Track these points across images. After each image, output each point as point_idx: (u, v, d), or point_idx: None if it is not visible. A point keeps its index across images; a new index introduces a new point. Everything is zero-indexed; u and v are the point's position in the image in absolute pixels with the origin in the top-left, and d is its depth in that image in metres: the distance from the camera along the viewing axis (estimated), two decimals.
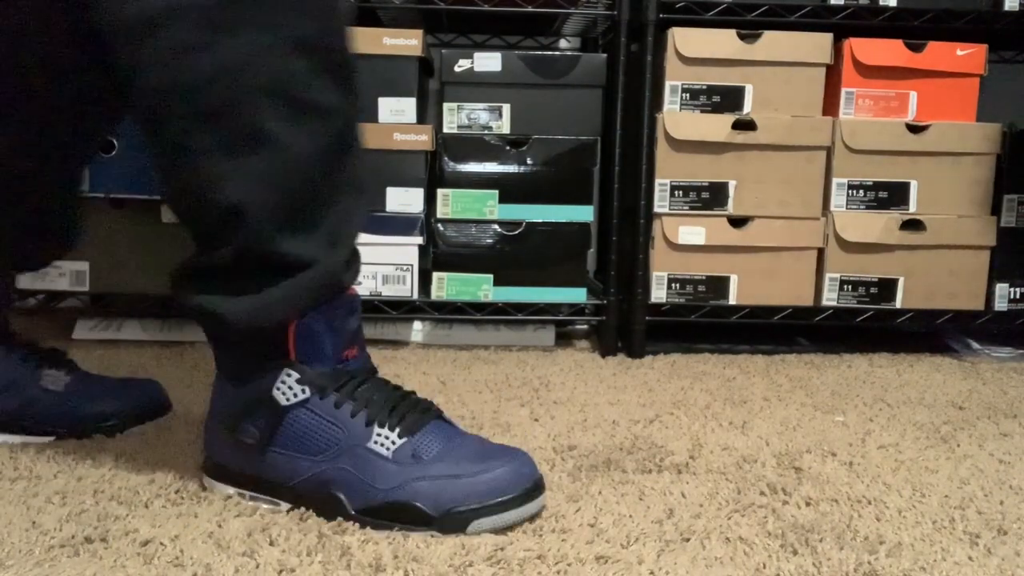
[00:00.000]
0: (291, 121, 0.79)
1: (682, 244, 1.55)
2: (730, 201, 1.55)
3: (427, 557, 0.74)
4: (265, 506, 0.84)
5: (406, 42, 1.52)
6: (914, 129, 1.54)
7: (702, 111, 1.55)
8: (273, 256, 0.81)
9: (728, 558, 0.76)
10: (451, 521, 0.77)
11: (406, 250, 1.54)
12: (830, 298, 1.57)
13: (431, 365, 1.44)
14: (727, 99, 1.55)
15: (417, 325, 1.62)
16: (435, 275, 1.57)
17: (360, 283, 1.53)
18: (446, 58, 1.56)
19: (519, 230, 1.56)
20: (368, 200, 0.95)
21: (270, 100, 0.78)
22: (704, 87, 1.54)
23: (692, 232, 1.55)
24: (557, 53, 1.58)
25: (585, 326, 1.75)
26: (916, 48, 1.54)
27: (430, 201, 1.57)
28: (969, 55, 1.55)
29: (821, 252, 1.57)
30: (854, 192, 1.56)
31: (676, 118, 1.53)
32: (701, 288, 1.57)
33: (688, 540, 0.79)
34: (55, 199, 1.05)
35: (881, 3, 1.55)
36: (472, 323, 1.63)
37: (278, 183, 0.80)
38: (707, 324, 1.59)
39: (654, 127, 1.54)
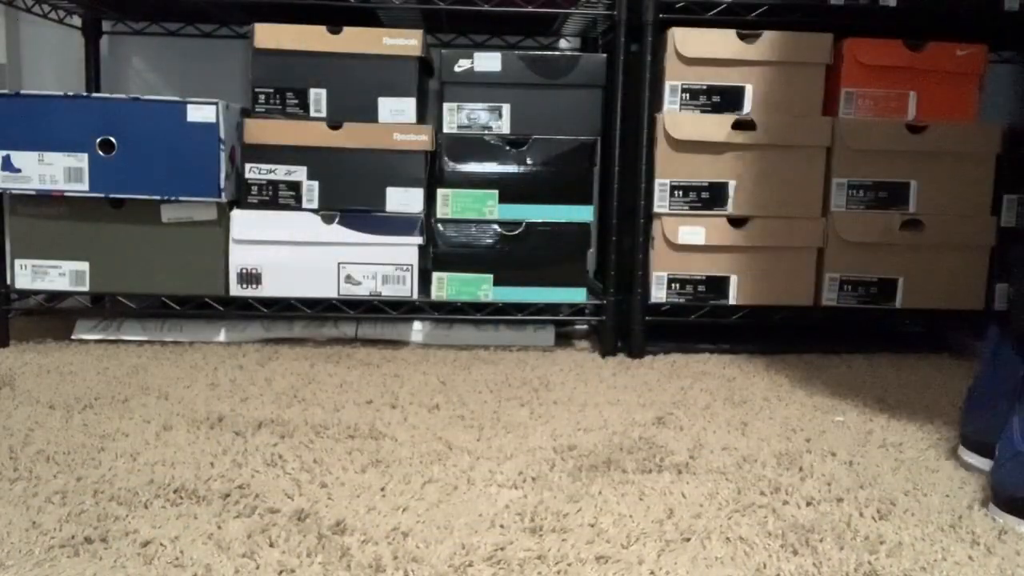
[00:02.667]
0: None
1: (682, 244, 1.55)
2: (730, 201, 1.55)
3: (427, 557, 0.74)
4: None
5: (406, 42, 1.52)
6: (914, 129, 1.54)
7: (702, 111, 1.54)
8: None
9: (728, 558, 0.76)
10: None
11: (406, 250, 1.54)
12: (830, 298, 1.57)
13: (431, 365, 1.44)
14: (727, 99, 1.54)
15: (417, 325, 1.62)
16: (435, 275, 1.57)
17: (361, 283, 1.54)
18: (446, 58, 1.56)
19: (519, 230, 1.56)
20: None
21: None
22: (704, 87, 1.54)
23: (692, 232, 1.55)
24: (557, 53, 1.58)
25: (585, 326, 1.75)
26: (916, 48, 1.54)
27: (430, 201, 1.57)
28: (969, 55, 1.55)
29: (821, 252, 1.57)
30: (854, 192, 1.56)
31: (676, 118, 1.53)
32: (701, 288, 1.57)
33: (688, 540, 0.79)
34: None
35: (881, 3, 1.55)
36: (472, 323, 1.63)
37: None
38: (707, 324, 1.59)
39: (654, 127, 1.54)
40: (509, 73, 1.56)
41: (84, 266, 1.52)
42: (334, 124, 1.52)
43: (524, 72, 1.56)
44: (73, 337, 1.57)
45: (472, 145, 1.56)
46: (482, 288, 1.57)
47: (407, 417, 1.15)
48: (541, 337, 1.63)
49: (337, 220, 1.53)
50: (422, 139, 1.53)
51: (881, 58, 1.54)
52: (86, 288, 1.53)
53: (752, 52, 1.53)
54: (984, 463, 0.98)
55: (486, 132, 1.57)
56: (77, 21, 1.85)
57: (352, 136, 1.52)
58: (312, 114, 1.54)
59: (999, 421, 0.97)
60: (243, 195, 1.54)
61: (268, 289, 1.54)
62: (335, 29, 1.52)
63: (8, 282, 1.52)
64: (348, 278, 1.54)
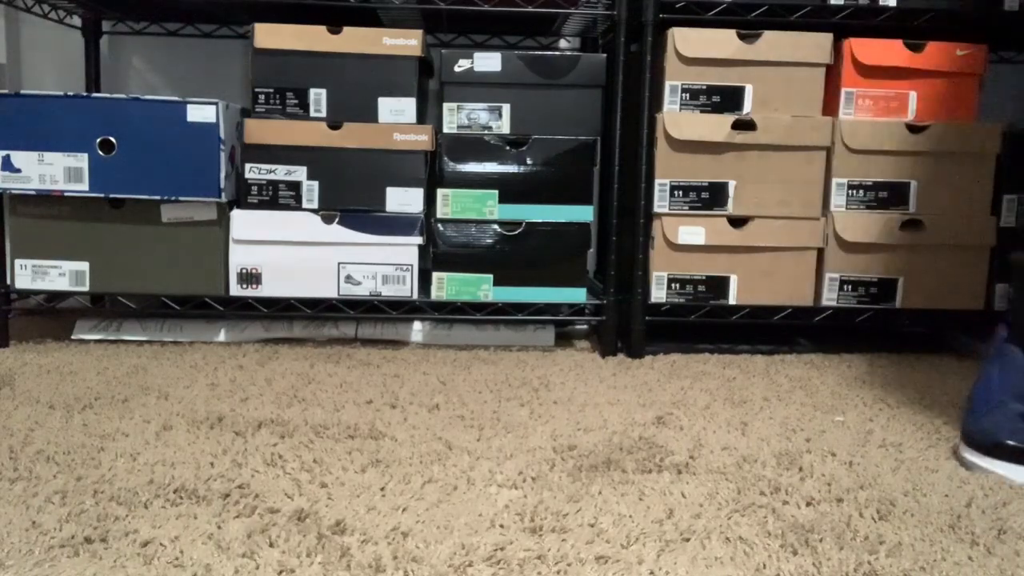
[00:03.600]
0: None
1: (682, 244, 1.55)
2: (730, 201, 1.55)
3: (427, 557, 0.74)
4: None
5: (406, 42, 1.52)
6: (914, 129, 1.54)
7: (702, 111, 1.54)
8: None
9: (728, 558, 0.76)
10: None
11: (406, 250, 1.54)
12: (830, 298, 1.57)
13: (431, 365, 1.44)
14: (727, 99, 1.54)
15: (417, 325, 1.62)
16: (435, 275, 1.57)
17: (361, 283, 1.54)
18: (446, 58, 1.56)
19: (519, 230, 1.56)
20: None
21: None
22: (704, 87, 1.54)
23: (692, 232, 1.55)
24: (557, 53, 1.58)
25: (585, 326, 1.75)
26: (916, 48, 1.54)
27: (430, 201, 1.57)
28: (969, 55, 1.55)
29: (821, 252, 1.57)
30: (854, 192, 1.56)
31: (676, 118, 1.53)
32: (701, 288, 1.57)
33: (688, 540, 0.79)
34: None
35: (881, 3, 1.55)
36: (472, 323, 1.62)
37: None
38: (707, 324, 1.59)
39: (654, 127, 1.54)
40: (509, 73, 1.56)
41: (84, 266, 1.52)
42: (334, 124, 1.52)
43: (524, 72, 1.56)
44: (73, 337, 1.57)
45: (472, 145, 1.56)
46: (482, 288, 1.57)
47: (407, 417, 1.15)
48: (541, 337, 1.63)
49: (337, 220, 1.53)
50: (422, 139, 1.53)
51: (881, 58, 1.54)
52: (86, 288, 1.53)
53: (752, 52, 1.53)
54: (987, 462, 0.98)
55: (486, 132, 1.57)
56: (77, 21, 1.85)
57: (352, 136, 1.52)
58: (312, 114, 1.54)
59: (1004, 420, 0.97)
60: (243, 195, 1.54)
61: (268, 289, 1.54)
62: (335, 29, 1.52)
63: (8, 282, 1.52)
64: (348, 278, 1.54)
